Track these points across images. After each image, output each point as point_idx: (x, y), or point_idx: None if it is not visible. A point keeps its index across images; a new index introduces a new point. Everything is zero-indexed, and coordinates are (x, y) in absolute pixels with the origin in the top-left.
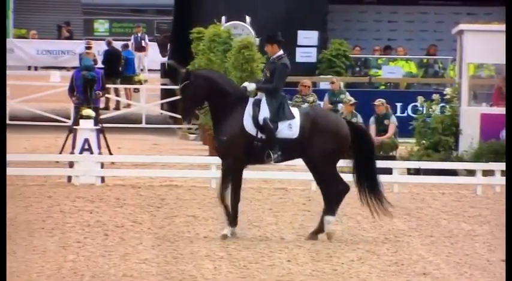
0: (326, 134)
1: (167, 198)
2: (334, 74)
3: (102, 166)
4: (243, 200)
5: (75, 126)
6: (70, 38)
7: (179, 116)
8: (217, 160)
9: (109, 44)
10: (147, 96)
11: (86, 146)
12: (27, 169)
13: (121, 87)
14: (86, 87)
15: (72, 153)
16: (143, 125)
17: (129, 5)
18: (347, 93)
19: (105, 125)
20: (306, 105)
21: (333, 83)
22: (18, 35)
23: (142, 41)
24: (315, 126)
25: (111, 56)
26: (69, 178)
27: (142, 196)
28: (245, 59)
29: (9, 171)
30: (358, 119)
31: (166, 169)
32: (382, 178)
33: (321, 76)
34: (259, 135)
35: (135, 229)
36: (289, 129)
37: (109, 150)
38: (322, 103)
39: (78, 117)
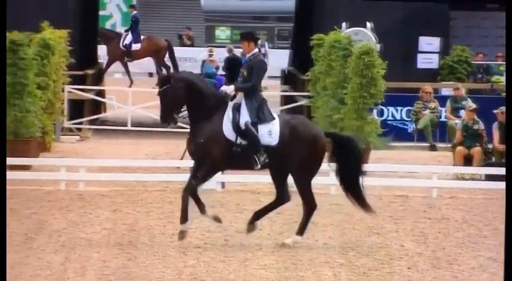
0: (304, 143)
1: (286, 204)
2: (455, 81)
3: (223, 171)
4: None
5: None
6: (192, 45)
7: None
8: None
9: (230, 51)
10: (268, 103)
11: None
12: (149, 175)
13: None
14: None
15: None
16: None
17: (251, 12)
18: (469, 99)
19: None
20: (427, 111)
21: (457, 89)
22: None
23: (262, 48)
24: (294, 135)
25: (231, 63)
26: None
27: (262, 201)
28: (365, 65)
29: (130, 177)
30: (480, 126)
31: None
32: (498, 185)
33: (443, 82)
34: (239, 141)
35: (255, 234)
36: (269, 136)
37: None
38: (444, 109)
39: None
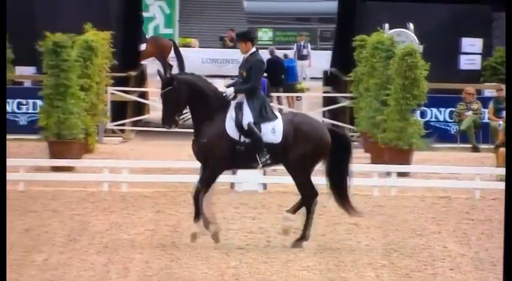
0: (309, 139)
1: (328, 205)
2: (498, 82)
3: (265, 173)
4: (405, 208)
5: None
6: (234, 46)
7: (339, 124)
8: (379, 168)
9: (272, 52)
10: (309, 104)
11: None
12: (192, 176)
13: (283, 95)
14: None
15: None
16: None
17: (293, 13)
18: None
19: None
20: (470, 113)
21: (500, 90)
22: (183, 44)
23: (305, 50)
24: (298, 132)
25: (273, 64)
26: (232, 185)
27: None
28: (408, 66)
29: (173, 178)
30: None
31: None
32: None
33: (486, 83)
34: (242, 139)
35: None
36: (273, 134)
37: None
38: (486, 110)
39: None
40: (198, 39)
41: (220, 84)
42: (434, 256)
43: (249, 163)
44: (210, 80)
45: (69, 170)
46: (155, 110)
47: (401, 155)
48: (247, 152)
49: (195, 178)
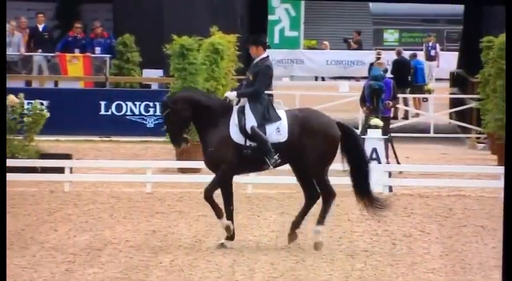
0: (317, 135)
1: (455, 208)
2: None
3: (390, 175)
4: None
5: (362, 136)
6: (359, 48)
7: (466, 125)
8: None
9: (398, 53)
10: (436, 105)
11: (374, 156)
12: None
13: (409, 96)
14: (373, 97)
15: None
16: (431, 134)
17: (420, 15)
18: None
19: (393, 134)
20: None
21: None
22: (308, 45)
23: (433, 51)
24: (305, 128)
25: (400, 65)
26: None
27: (430, 205)
28: None
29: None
30: None
31: (454, 179)
32: None
33: None
34: (248, 143)
35: (423, 238)
36: (278, 133)
37: (397, 159)
38: None
39: (366, 126)
40: (325, 40)
41: (343, 85)
42: None
43: (259, 165)
44: (334, 81)
45: (195, 172)
46: None
47: None
48: (255, 155)
49: None
